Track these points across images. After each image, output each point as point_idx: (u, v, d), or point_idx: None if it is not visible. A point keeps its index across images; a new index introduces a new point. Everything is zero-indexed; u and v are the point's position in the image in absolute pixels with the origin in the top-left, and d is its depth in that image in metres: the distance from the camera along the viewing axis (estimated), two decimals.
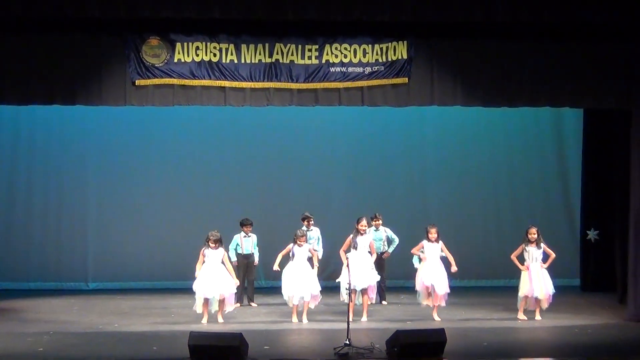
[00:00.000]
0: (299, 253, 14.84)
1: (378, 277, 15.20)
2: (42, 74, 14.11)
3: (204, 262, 14.65)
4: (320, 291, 14.96)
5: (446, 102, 14.85)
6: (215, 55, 14.30)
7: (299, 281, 14.69)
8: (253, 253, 16.60)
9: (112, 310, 15.92)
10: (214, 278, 14.52)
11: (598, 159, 18.14)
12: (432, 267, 15.02)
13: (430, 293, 15.07)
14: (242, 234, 16.55)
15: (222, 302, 14.60)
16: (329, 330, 13.75)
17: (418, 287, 15.19)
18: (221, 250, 14.77)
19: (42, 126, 18.70)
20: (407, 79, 14.50)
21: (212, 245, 14.63)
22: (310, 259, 15.05)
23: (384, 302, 16.56)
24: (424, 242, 15.14)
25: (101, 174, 18.88)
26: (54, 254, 18.81)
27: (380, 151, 19.24)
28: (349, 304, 12.97)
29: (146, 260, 18.76)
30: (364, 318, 14.84)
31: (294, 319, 14.69)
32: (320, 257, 16.18)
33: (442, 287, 14.95)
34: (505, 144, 19.49)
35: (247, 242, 16.55)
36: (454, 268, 15.05)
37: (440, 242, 15.15)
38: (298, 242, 14.85)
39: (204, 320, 14.44)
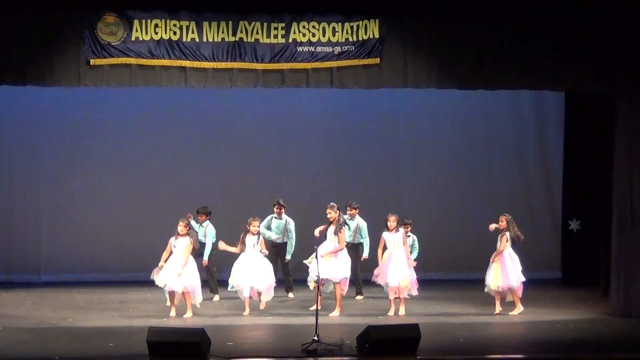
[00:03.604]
0: (250, 242, 14.63)
1: (348, 267, 14.78)
2: None
3: (171, 252, 14.38)
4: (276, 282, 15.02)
5: (420, 84, 14.71)
6: (175, 33, 14.05)
7: (249, 271, 14.48)
8: (205, 243, 16.03)
9: (67, 305, 15.69)
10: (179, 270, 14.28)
11: (580, 146, 18.14)
12: (395, 262, 14.54)
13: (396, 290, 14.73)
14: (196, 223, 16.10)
15: (185, 294, 14.36)
16: (297, 325, 13.48)
17: (380, 281, 14.77)
18: (186, 239, 14.41)
19: None
20: (379, 59, 14.25)
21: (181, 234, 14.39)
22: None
23: (358, 297, 16.27)
24: (384, 235, 14.71)
25: (54, 163, 18.82)
26: (4, 244, 18.66)
27: (352, 139, 19.21)
28: (316, 297, 12.79)
29: (102, 252, 18.64)
30: (335, 312, 14.51)
31: (246, 311, 14.52)
32: (292, 250, 16.27)
33: (407, 279, 14.53)
34: (483, 131, 19.51)
35: (199, 232, 16.02)
36: (410, 262, 14.73)
37: (401, 230, 14.74)
38: (251, 229, 14.64)
39: (172, 313, 14.23)
